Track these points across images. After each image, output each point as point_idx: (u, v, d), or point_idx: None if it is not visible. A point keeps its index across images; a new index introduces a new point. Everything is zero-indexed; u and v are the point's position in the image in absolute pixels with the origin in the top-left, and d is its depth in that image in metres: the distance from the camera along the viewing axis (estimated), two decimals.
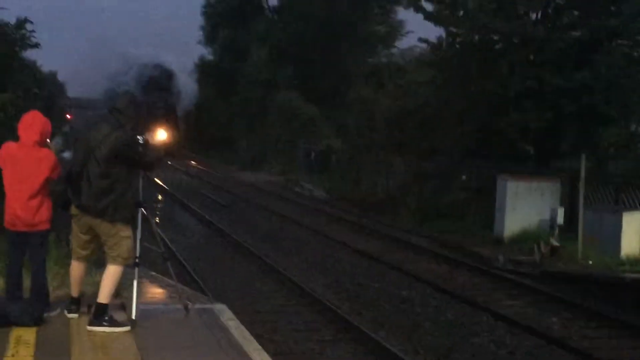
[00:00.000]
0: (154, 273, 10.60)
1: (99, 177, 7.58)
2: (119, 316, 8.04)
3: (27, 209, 7.89)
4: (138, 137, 7.89)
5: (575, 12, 23.41)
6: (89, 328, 7.80)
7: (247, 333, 8.09)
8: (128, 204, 7.86)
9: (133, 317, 8.02)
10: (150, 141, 8.05)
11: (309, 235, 23.07)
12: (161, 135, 8.33)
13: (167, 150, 8.79)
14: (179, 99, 9.24)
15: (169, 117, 9.09)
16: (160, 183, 35.35)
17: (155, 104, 8.97)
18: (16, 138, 8.03)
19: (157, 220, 18.78)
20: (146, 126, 8.30)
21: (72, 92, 65.87)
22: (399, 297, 14.74)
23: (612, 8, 22.19)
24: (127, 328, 7.87)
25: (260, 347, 7.63)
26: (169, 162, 41.79)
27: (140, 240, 8.23)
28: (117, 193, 7.64)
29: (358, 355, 10.67)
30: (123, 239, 7.79)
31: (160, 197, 31.71)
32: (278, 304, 13.59)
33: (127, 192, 7.78)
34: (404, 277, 16.52)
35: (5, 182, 7.97)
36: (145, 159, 7.92)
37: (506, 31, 23.30)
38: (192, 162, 56.38)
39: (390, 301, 14.29)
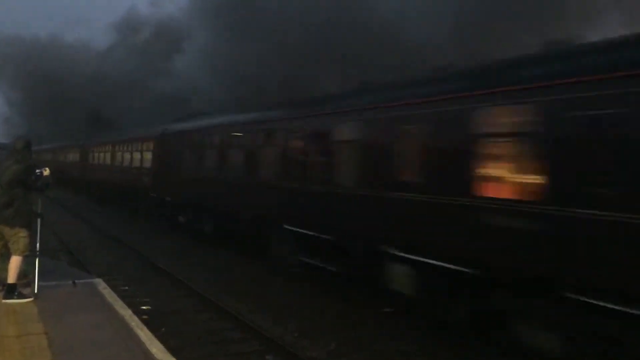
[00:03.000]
0: (52, 261, 9.91)
1: (1, 196, 7.33)
2: (25, 291, 7.51)
3: None
4: (37, 170, 7.57)
5: None
6: (3, 301, 7.27)
7: (115, 296, 7.77)
8: (25, 214, 7.45)
9: (35, 291, 7.52)
10: (44, 173, 7.64)
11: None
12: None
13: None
14: None
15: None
16: None
17: None
18: None
19: None
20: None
21: None
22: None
23: None
24: (31, 299, 7.37)
25: (123, 304, 7.36)
26: None
27: (40, 239, 7.78)
28: (15, 206, 7.36)
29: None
30: (21, 238, 7.41)
31: None
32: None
33: (23, 206, 7.43)
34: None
35: None
36: (37, 184, 7.53)
37: None
38: None
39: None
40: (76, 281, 8.30)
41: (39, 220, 7.79)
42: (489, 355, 7.25)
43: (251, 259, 13.72)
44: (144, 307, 9.44)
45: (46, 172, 7.73)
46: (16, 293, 7.36)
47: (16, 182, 7.35)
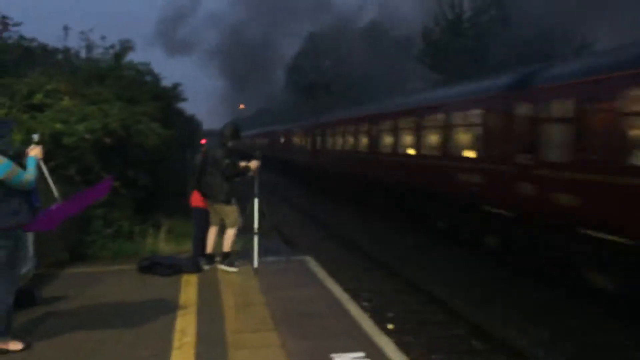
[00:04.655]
0: (266, 239, 10.77)
1: (213, 177, 8.13)
2: (236, 262, 8.34)
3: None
4: (225, 159, 8.07)
5: None
6: (218, 266, 8.30)
7: (324, 273, 8.21)
8: (231, 192, 8.16)
9: (255, 266, 8.21)
10: (251, 166, 8.27)
11: None
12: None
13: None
14: None
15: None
16: None
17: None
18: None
19: None
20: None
21: (205, 126, 67.79)
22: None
23: None
24: (236, 269, 8.18)
25: (332, 280, 7.75)
26: None
27: (258, 218, 8.38)
28: (226, 187, 8.10)
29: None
30: (231, 212, 8.19)
31: None
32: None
33: (229, 185, 8.12)
34: None
35: None
36: (226, 172, 8.09)
37: None
38: None
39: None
40: (289, 258, 8.94)
41: (256, 201, 8.39)
42: None
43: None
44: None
45: (252, 164, 8.28)
46: (227, 261, 8.27)
47: (219, 165, 8.09)
